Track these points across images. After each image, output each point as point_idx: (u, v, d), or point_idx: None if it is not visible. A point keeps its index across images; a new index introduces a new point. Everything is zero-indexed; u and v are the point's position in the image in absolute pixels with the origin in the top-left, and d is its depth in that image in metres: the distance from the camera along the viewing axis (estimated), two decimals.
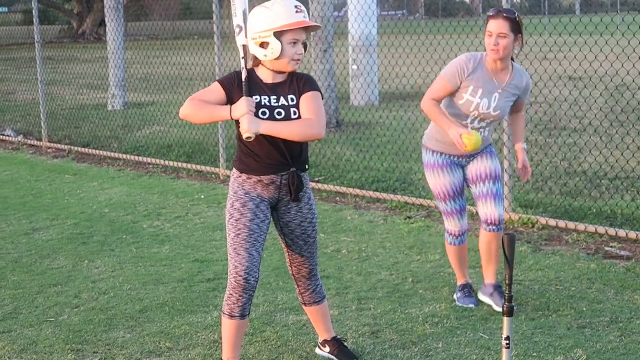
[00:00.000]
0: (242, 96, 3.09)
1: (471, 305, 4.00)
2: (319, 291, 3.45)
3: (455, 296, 4.13)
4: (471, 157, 3.98)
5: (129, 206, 6.37)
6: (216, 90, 3.15)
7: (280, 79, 3.16)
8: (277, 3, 3.07)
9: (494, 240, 3.96)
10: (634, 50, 5.98)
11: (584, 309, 3.95)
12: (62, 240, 5.46)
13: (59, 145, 9.24)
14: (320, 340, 3.56)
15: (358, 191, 6.48)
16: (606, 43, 6.12)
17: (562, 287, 4.26)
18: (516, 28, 3.73)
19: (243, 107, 3.05)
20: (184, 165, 7.77)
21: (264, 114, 3.11)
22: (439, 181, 3.95)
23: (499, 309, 3.87)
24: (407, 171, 6.98)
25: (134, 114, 11.14)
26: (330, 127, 9.36)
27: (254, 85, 3.14)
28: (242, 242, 3.13)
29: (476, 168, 3.95)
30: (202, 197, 6.62)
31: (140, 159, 8.21)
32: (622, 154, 6.57)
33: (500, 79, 3.84)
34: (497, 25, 3.71)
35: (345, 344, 3.57)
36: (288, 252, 3.37)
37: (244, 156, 3.19)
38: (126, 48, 12.46)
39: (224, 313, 3.21)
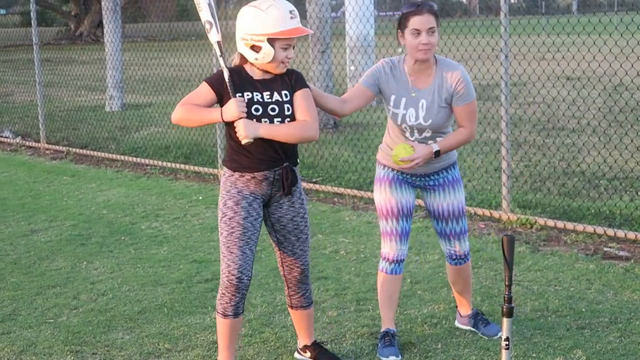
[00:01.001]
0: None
1: (392, 357, 3.44)
2: (308, 295, 3.39)
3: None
4: (427, 178, 3.49)
5: (127, 207, 6.36)
6: (205, 92, 3.10)
7: (269, 75, 3.13)
8: (272, 6, 3.01)
9: (460, 271, 3.64)
10: (633, 50, 5.98)
11: (583, 309, 3.94)
12: (60, 241, 5.44)
13: (56, 147, 9.22)
14: (300, 345, 3.52)
15: (356, 192, 6.47)
16: (604, 43, 6.12)
17: (561, 288, 4.25)
18: (438, 22, 3.33)
19: (234, 109, 3.02)
20: (182, 166, 7.75)
21: (256, 110, 3.07)
22: (383, 196, 3.48)
23: (487, 336, 3.63)
24: None
25: (131, 115, 11.13)
26: (328, 127, 9.36)
27: (245, 82, 3.10)
28: (236, 240, 3.10)
29: (438, 203, 3.50)
30: (200, 198, 6.61)
31: (138, 160, 8.20)
32: (621, 154, 6.57)
33: (423, 82, 3.36)
34: (424, 20, 3.25)
35: (325, 346, 3.53)
36: (279, 250, 3.31)
37: (235, 154, 3.15)
38: (123, 49, 12.44)
39: (217, 312, 3.19)
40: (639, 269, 4.49)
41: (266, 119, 3.08)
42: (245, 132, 3.01)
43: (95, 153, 8.71)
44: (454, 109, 3.39)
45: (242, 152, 3.12)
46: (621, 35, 6.08)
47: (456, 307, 3.82)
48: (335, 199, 6.44)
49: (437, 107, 3.37)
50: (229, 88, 3.06)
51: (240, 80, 3.09)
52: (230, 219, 3.11)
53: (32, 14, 9.39)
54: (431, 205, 3.56)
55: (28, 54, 11.63)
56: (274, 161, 3.13)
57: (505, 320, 2.97)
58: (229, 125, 3.09)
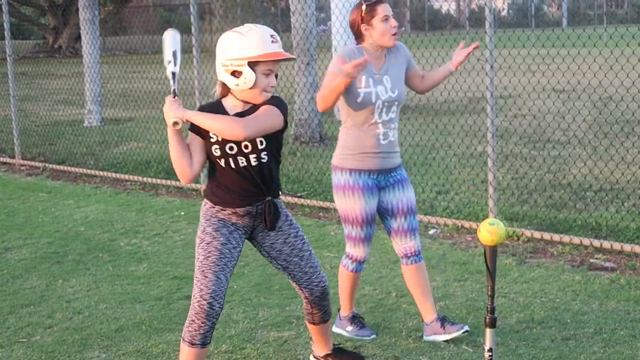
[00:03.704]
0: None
1: (372, 336, 3.83)
2: (329, 309, 3.40)
3: (346, 330, 3.90)
4: (388, 175, 3.75)
5: (106, 224, 6.37)
6: (193, 138, 3.11)
7: (247, 106, 3.09)
8: (252, 30, 3.01)
9: (420, 269, 3.83)
10: (616, 60, 6.09)
11: (568, 320, 4.01)
12: (35, 259, 5.44)
13: (32, 163, 9.21)
14: (322, 354, 3.56)
15: None
16: (589, 53, 6.25)
17: (547, 299, 4.31)
18: None
19: (166, 106, 2.98)
20: (163, 181, 7.77)
21: (231, 148, 3.06)
22: (350, 204, 3.70)
23: (452, 336, 3.76)
24: None
25: (111, 130, 11.14)
26: (314, 141, 9.41)
27: None
28: (211, 264, 3.05)
29: (396, 199, 3.75)
30: (182, 213, 6.62)
31: (118, 175, 8.21)
32: (606, 165, 6.67)
33: (381, 64, 3.76)
34: (388, 7, 3.72)
35: (342, 346, 3.64)
36: (290, 275, 3.28)
37: (215, 188, 3.14)
38: (103, 63, 12.47)
39: (183, 340, 3.09)
40: (624, 279, 4.56)
41: (242, 157, 3.07)
42: (173, 112, 2.94)
43: (73, 169, 8.70)
44: (412, 73, 3.88)
45: (223, 186, 3.11)
46: (605, 45, 6.21)
47: (423, 321, 3.87)
48: (321, 214, 6.48)
49: (398, 76, 3.79)
50: (172, 83, 3.06)
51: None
52: (207, 243, 3.08)
53: (5, 25, 9.41)
54: (391, 203, 3.77)
55: (2, 67, 11.63)
56: (255, 196, 3.12)
57: (488, 331, 3.02)
58: (210, 158, 3.09)
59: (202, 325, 3.04)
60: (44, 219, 6.65)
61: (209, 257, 3.07)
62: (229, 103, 3.11)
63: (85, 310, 4.41)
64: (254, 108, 3.07)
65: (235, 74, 3.00)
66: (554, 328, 3.91)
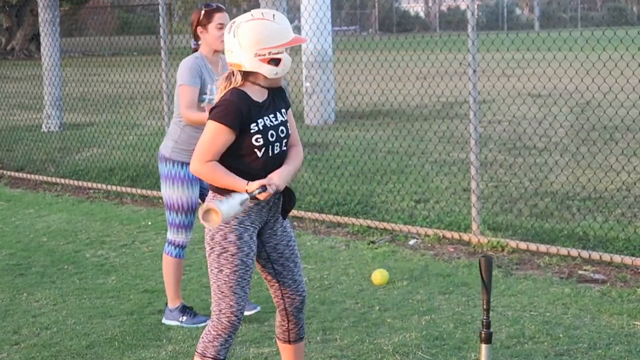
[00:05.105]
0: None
1: (206, 322, 4.14)
2: (304, 325, 3.36)
3: (180, 320, 4.32)
4: None
5: (70, 234, 6.26)
6: (228, 139, 3.09)
7: (266, 94, 3.09)
8: (276, 15, 3.01)
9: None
10: (593, 65, 6.17)
11: (561, 335, 4.02)
12: None
13: None
14: None
15: (317, 215, 6.49)
16: (564, 57, 6.31)
17: (537, 313, 4.33)
18: None
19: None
20: (128, 189, 7.67)
21: (272, 135, 3.04)
22: (178, 193, 4.28)
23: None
24: (369, 193, 7.03)
25: (71, 135, 10.97)
26: None
27: (256, 109, 3.03)
28: (239, 279, 3.05)
29: (197, 195, 4.34)
30: (149, 223, 6.54)
31: (80, 183, 8.09)
32: (595, 172, 6.72)
33: (218, 66, 4.30)
34: (225, 17, 4.22)
35: None
36: (278, 282, 3.23)
37: (244, 178, 3.02)
38: (61, 65, 12.28)
39: (204, 356, 3.05)
40: (615, 292, 4.61)
41: (278, 143, 3.07)
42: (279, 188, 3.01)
43: (33, 176, 8.56)
44: None
45: (255, 176, 3.01)
46: (581, 50, 6.27)
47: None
48: (295, 223, 6.44)
49: None
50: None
51: (251, 107, 3.02)
52: (233, 255, 3.04)
53: None
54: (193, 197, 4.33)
55: None
56: None
57: (483, 347, 3.01)
58: (236, 155, 3.01)
59: (228, 339, 3.08)
60: (4, 228, 6.52)
61: (236, 271, 3.04)
62: (255, 93, 3.06)
63: (53, 325, 4.32)
64: (269, 92, 3.08)
65: (273, 61, 3.01)
66: (546, 343, 3.93)
